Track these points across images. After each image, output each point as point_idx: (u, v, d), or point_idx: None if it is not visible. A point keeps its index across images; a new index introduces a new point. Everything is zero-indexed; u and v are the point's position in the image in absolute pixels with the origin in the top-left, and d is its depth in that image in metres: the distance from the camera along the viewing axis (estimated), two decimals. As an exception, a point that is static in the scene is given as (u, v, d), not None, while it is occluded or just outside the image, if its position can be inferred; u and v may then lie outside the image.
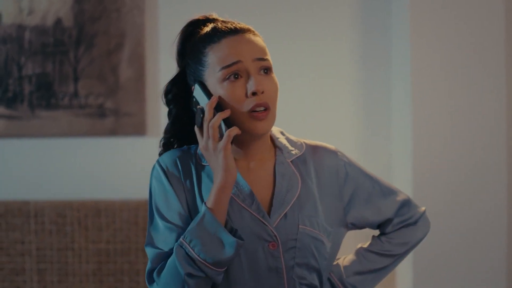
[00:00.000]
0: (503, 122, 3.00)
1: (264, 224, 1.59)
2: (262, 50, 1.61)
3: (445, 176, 2.99)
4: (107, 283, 3.21)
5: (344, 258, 1.77)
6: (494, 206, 3.00)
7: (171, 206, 1.62)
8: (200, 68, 1.62)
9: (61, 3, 3.28)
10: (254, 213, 1.60)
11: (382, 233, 1.79)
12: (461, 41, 2.98)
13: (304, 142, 1.73)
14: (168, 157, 1.67)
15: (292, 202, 1.63)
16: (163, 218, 1.62)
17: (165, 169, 1.65)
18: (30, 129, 3.30)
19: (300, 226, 1.61)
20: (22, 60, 3.29)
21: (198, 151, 1.66)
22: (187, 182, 1.64)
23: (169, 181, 1.63)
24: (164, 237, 1.61)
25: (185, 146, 1.70)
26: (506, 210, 3.01)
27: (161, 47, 3.28)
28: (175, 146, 1.72)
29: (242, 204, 1.61)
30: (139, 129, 3.28)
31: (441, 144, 2.99)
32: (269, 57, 1.63)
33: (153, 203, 1.65)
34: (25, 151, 3.33)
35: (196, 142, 1.68)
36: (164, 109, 3.20)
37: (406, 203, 1.78)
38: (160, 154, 1.72)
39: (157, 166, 1.66)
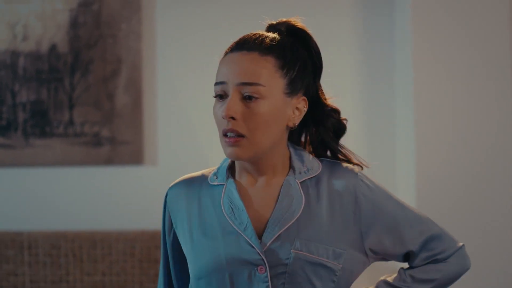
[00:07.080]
0: (509, 126, 2.98)
1: (252, 247, 1.53)
2: (252, 74, 1.53)
3: (449, 181, 2.98)
4: (102, 317, 3.20)
5: None
6: (501, 211, 2.97)
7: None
8: None
9: (56, 29, 3.24)
10: (243, 234, 1.55)
11: (410, 267, 1.67)
12: (464, 45, 2.98)
13: (321, 162, 1.65)
14: (176, 188, 1.68)
15: (288, 225, 1.55)
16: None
17: (169, 204, 1.67)
18: (24, 158, 3.28)
19: (293, 251, 1.54)
20: (16, 87, 3.26)
21: (210, 176, 1.65)
22: (190, 212, 1.63)
23: (170, 218, 1.66)
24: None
25: (202, 174, 1.68)
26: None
27: (159, 73, 3.25)
28: None
29: (233, 225, 1.56)
30: (136, 158, 3.25)
31: (445, 149, 2.99)
32: (263, 81, 1.53)
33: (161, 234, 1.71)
34: (18, 181, 3.31)
35: None
36: (162, 137, 3.22)
37: (437, 237, 1.66)
38: None
39: (165, 198, 1.70)
